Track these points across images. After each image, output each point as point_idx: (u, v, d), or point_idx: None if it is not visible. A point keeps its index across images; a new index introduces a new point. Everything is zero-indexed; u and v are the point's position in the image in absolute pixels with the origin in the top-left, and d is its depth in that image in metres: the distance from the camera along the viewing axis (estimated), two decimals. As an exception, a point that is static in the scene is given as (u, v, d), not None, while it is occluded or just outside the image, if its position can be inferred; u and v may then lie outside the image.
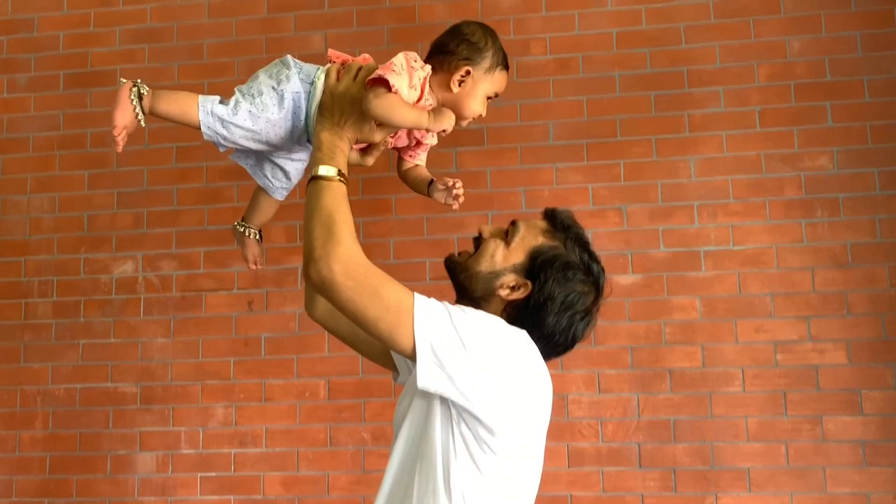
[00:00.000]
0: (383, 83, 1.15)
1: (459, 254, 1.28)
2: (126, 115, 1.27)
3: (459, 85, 1.26)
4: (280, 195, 1.50)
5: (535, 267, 1.18)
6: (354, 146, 1.26)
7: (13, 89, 2.60)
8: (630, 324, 2.24)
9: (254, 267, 1.55)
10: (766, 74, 2.30)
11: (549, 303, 1.16)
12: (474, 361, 1.03)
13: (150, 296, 2.44)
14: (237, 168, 2.42)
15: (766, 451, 2.14)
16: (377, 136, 1.23)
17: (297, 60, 1.31)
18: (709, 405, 2.18)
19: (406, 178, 1.43)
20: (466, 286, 1.22)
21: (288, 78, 1.26)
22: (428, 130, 1.22)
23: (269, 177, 1.45)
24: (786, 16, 2.31)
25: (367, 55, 1.34)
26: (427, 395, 1.10)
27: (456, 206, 1.37)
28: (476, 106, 1.28)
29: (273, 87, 1.26)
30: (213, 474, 2.33)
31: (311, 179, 1.15)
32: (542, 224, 1.24)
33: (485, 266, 1.21)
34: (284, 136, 1.30)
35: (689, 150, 2.29)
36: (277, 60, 1.32)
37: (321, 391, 2.33)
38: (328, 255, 1.03)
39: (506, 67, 1.31)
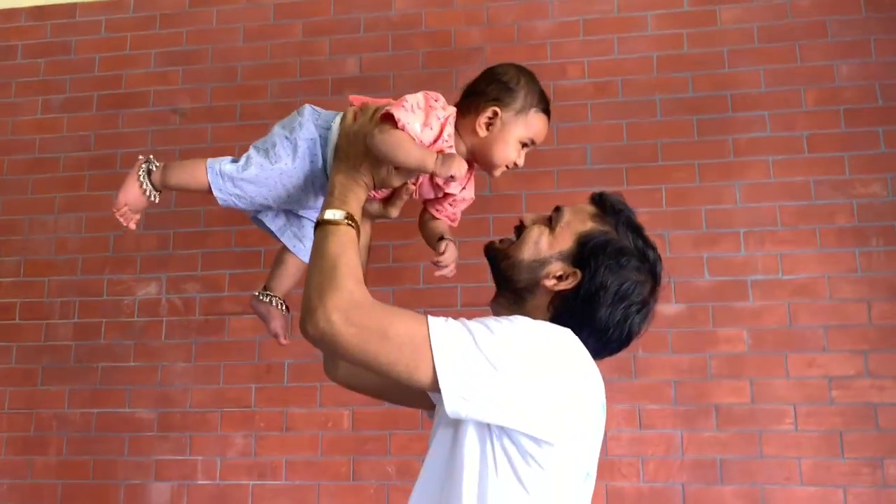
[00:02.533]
0: (389, 119, 1.12)
1: (500, 241, 1.23)
2: (130, 191, 1.30)
3: (487, 128, 1.20)
4: (260, 219, 1.42)
5: (585, 254, 1.11)
6: (376, 195, 1.22)
7: (47, 110, 2.68)
8: (673, 356, 2.19)
9: (284, 342, 1.46)
10: (813, 99, 2.29)
11: (601, 293, 1.09)
12: (508, 380, 0.96)
13: (173, 319, 2.45)
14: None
15: (822, 495, 2.05)
16: (396, 180, 1.17)
17: (315, 108, 1.28)
18: (758, 444, 2.10)
19: (423, 229, 1.38)
20: (508, 275, 1.17)
21: (301, 125, 1.24)
22: (434, 175, 1.14)
23: (299, 237, 1.40)
24: (833, 40, 2.32)
25: (390, 99, 1.29)
26: (455, 420, 1.03)
27: (449, 274, 1.31)
28: (508, 152, 1.21)
29: (286, 137, 1.23)
30: (230, 507, 2.30)
31: (318, 225, 1.10)
32: (590, 208, 1.18)
33: (528, 253, 1.15)
34: (303, 186, 1.27)
35: (735, 176, 2.27)
36: (294, 112, 1.30)
37: (345, 421, 2.30)
38: (325, 304, 0.97)
39: (544, 111, 1.23)
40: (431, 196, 1.31)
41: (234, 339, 2.41)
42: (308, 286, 1.02)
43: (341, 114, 1.25)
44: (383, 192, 1.24)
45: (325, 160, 1.24)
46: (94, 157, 2.62)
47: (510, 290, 1.17)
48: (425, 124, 1.15)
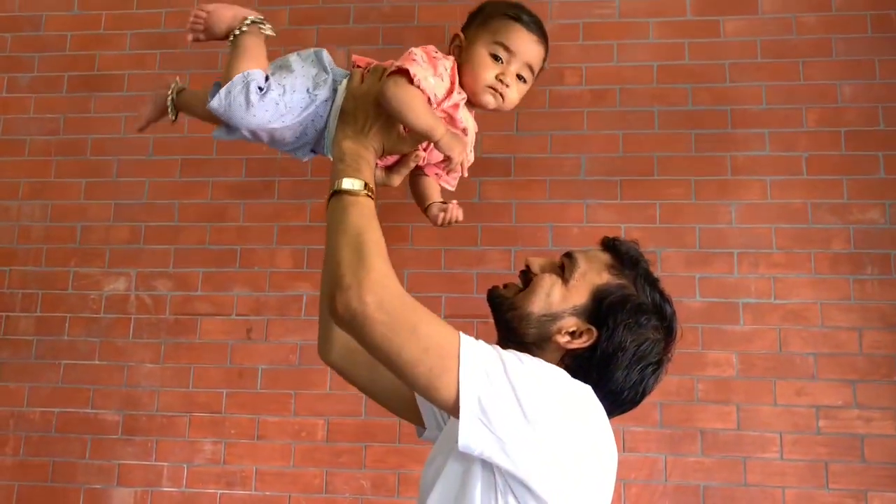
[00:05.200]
0: (404, 74, 1.06)
1: (506, 286, 1.16)
2: (227, 13, 1.15)
3: (458, 56, 1.13)
4: (219, 136, 1.29)
5: (601, 310, 1.05)
6: (379, 162, 1.15)
7: (13, 89, 2.58)
8: (660, 377, 2.18)
9: (136, 127, 1.34)
10: (814, 119, 2.28)
11: (619, 354, 1.04)
12: (530, 422, 0.91)
13: (142, 317, 2.38)
14: (244, 185, 2.42)
15: (804, 526, 2.07)
16: (406, 146, 1.12)
17: (331, 61, 1.20)
18: (743, 471, 2.10)
19: (415, 185, 1.28)
20: (515, 328, 1.10)
21: (325, 83, 1.16)
22: (436, 145, 1.08)
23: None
24: (838, 59, 2.30)
25: (393, 61, 1.21)
26: (465, 458, 0.98)
27: (440, 223, 1.21)
28: (476, 69, 1.10)
29: (308, 90, 1.15)
30: (195, 516, 2.25)
31: (334, 194, 1.04)
32: (605, 257, 1.11)
33: (538, 306, 1.08)
34: (288, 141, 1.19)
35: (731, 195, 2.26)
36: (312, 53, 1.20)
37: (319, 431, 2.26)
38: (360, 283, 0.92)
39: (513, 18, 1.11)
40: (440, 159, 1.21)
41: (205, 340, 2.35)
42: (335, 261, 0.97)
43: (348, 74, 1.18)
44: (387, 160, 1.17)
45: (327, 122, 1.17)
46: (63, 141, 2.52)
47: (515, 343, 1.10)
48: (436, 74, 1.09)
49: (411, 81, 1.05)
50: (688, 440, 2.13)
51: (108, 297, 2.41)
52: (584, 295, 1.08)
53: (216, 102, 1.15)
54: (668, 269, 2.22)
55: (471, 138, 1.17)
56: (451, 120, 1.12)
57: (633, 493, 2.12)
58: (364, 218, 1.01)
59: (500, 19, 1.12)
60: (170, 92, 1.30)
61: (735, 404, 2.14)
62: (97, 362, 2.37)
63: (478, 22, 1.13)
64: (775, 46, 2.33)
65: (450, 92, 1.11)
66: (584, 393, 0.99)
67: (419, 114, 1.05)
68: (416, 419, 1.36)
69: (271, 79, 1.15)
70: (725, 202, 2.25)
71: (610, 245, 1.13)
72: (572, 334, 1.07)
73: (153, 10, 2.57)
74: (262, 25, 1.17)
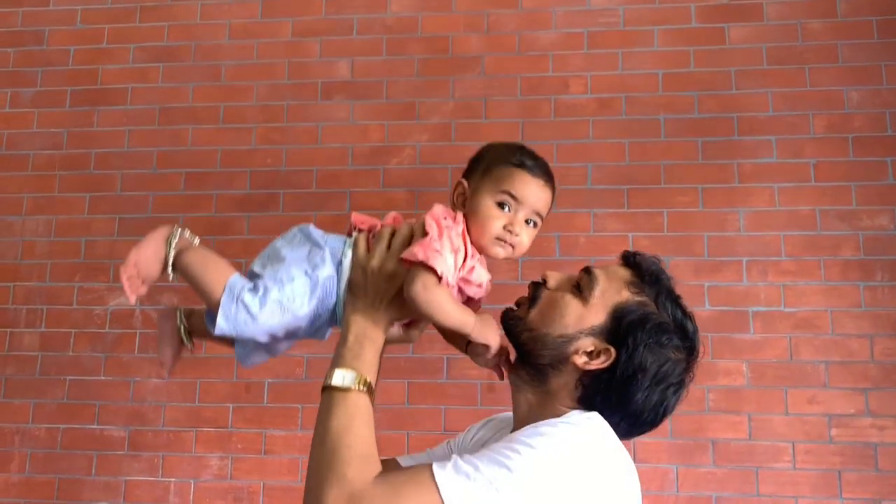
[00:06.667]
0: (431, 272, 1.00)
1: (518, 304, 1.12)
2: (148, 251, 1.12)
3: (463, 206, 1.08)
4: (243, 360, 1.25)
5: (621, 330, 1.01)
6: (396, 324, 1.12)
7: (16, 104, 2.59)
8: (670, 387, 2.17)
9: (165, 376, 1.31)
10: (822, 125, 2.28)
11: (639, 375, 1.00)
12: None
13: (147, 331, 2.38)
14: (249, 198, 2.43)
15: (818, 536, 2.06)
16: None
17: (320, 232, 1.14)
18: (755, 482, 2.09)
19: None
20: (530, 350, 1.06)
21: (323, 260, 1.09)
22: (468, 338, 1.05)
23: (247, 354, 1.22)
24: (844, 65, 2.31)
25: (394, 213, 1.16)
26: None
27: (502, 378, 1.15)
28: (482, 220, 1.05)
29: (306, 273, 1.08)
30: (203, 533, 2.25)
31: (323, 388, 0.98)
32: (625, 273, 1.07)
33: (555, 327, 1.04)
34: (303, 329, 1.12)
35: (739, 202, 2.26)
36: (297, 231, 1.14)
37: (327, 445, 2.25)
38: (323, 496, 0.88)
39: (517, 165, 1.07)
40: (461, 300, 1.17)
41: (211, 354, 2.34)
42: (309, 467, 0.94)
43: (349, 242, 1.12)
44: (404, 320, 1.14)
45: (337, 297, 1.10)
46: (66, 156, 2.53)
47: (531, 365, 1.07)
48: (453, 249, 1.04)
49: (439, 279, 1.01)
50: (699, 450, 2.13)
51: (113, 312, 2.41)
52: (602, 314, 1.04)
53: (220, 331, 1.09)
54: (677, 278, 2.16)
55: (486, 287, 1.12)
56: (467, 283, 1.08)
57: (645, 505, 2.11)
58: (347, 418, 0.95)
59: (503, 166, 1.07)
60: (178, 322, 1.24)
61: (746, 414, 2.13)
62: (102, 378, 2.36)
63: (481, 169, 1.09)
64: (781, 53, 2.34)
65: (465, 257, 1.07)
66: (595, 459, 0.93)
67: (449, 314, 1.02)
68: None
69: (264, 276, 1.09)
70: (733, 210, 2.26)
71: (630, 260, 1.10)
72: (590, 354, 1.03)
73: (156, 23, 2.58)
74: (183, 236, 1.14)
